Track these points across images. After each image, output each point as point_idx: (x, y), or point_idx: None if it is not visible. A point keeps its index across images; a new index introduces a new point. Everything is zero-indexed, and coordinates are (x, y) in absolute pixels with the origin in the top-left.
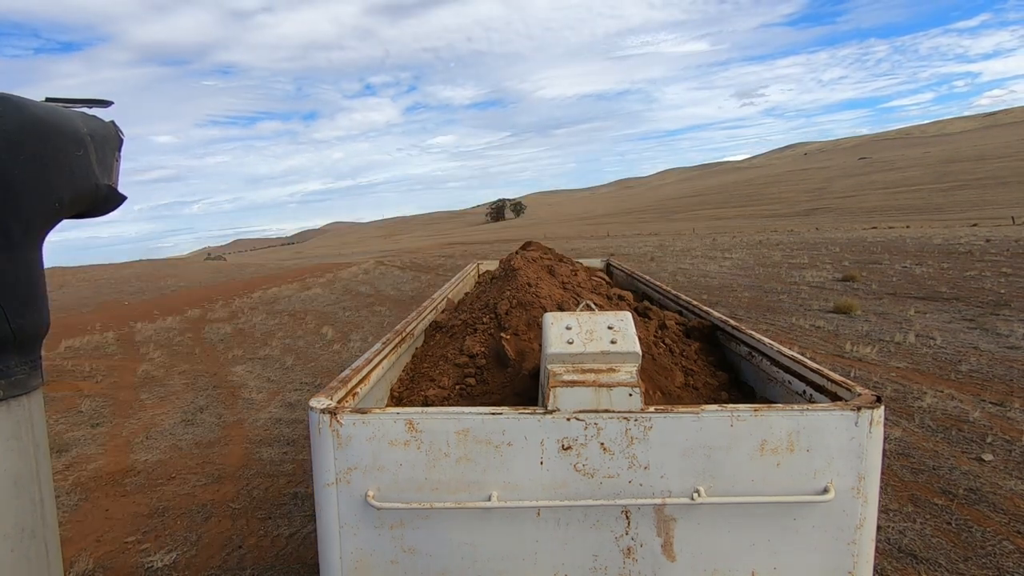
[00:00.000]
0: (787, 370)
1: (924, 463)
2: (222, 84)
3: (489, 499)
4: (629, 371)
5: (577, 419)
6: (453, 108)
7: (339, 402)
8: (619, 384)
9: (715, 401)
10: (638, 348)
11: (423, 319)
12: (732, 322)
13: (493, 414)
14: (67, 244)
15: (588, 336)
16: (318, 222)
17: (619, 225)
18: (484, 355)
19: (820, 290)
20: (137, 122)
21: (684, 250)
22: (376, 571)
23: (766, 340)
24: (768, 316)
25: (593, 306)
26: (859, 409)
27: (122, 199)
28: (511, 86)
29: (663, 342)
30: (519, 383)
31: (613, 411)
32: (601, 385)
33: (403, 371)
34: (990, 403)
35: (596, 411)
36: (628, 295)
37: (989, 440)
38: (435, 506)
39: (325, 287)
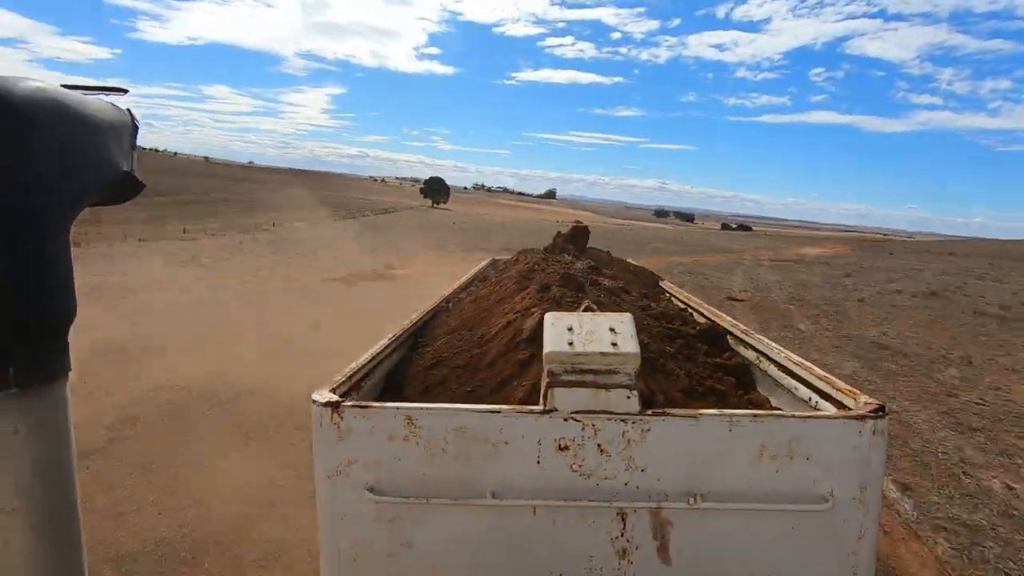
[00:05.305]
0: (793, 376)
1: None
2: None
3: (485, 496)
4: (629, 373)
5: (575, 419)
6: None
7: (341, 396)
8: (618, 386)
9: (717, 406)
10: (638, 350)
11: (429, 314)
12: (739, 326)
13: (491, 412)
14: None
15: (588, 337)
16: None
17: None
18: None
19: None
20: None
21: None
22: (373, 563)
23: (774, 345)
24: None
25: (595, 306)
26: (862, 418)
27: (141, 187)
28: None
29: (666, 345)
30: None
31: (611, 412)
32: (600, 386)
33: (406, 366)
34: None
35: (594, 412)
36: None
37: None
38: (431, 501)
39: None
